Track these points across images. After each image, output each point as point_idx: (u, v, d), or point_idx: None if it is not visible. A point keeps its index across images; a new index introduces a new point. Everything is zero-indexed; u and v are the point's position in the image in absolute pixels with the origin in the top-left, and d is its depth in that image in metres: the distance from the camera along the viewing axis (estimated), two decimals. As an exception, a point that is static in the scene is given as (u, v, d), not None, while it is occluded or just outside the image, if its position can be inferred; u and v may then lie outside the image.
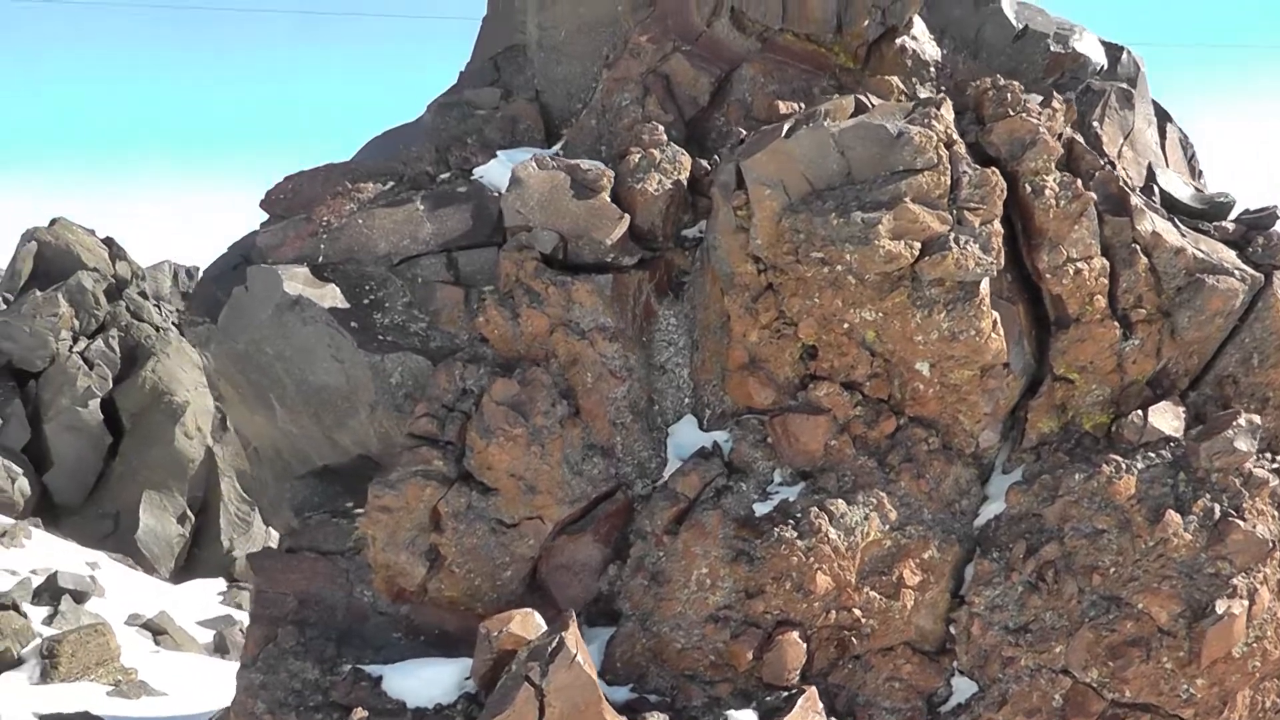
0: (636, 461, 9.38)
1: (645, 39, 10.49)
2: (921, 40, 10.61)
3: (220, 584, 26.49)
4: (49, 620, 18.45)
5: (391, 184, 10.54)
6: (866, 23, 10.35)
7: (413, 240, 9.99)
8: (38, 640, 16.81)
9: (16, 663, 16.38)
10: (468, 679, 8.67)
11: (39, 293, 28.31)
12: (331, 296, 9.79)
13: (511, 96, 11.16)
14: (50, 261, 29.50)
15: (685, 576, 9.04)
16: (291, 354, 9.86)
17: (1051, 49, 10.66)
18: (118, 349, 28.41)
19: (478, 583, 9.16)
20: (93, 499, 27.54)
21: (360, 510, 9.64)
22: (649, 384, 9.54)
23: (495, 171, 10.34)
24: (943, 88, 10.54)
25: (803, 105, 10.13)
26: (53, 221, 30.61)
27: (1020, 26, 10.77)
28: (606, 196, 9.53)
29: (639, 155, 9.76)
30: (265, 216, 10.88)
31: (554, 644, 8.05)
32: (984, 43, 10.79)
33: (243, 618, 22.25)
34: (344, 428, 9.94)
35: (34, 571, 20.63)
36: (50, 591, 19.37)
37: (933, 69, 10.67)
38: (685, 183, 9.83)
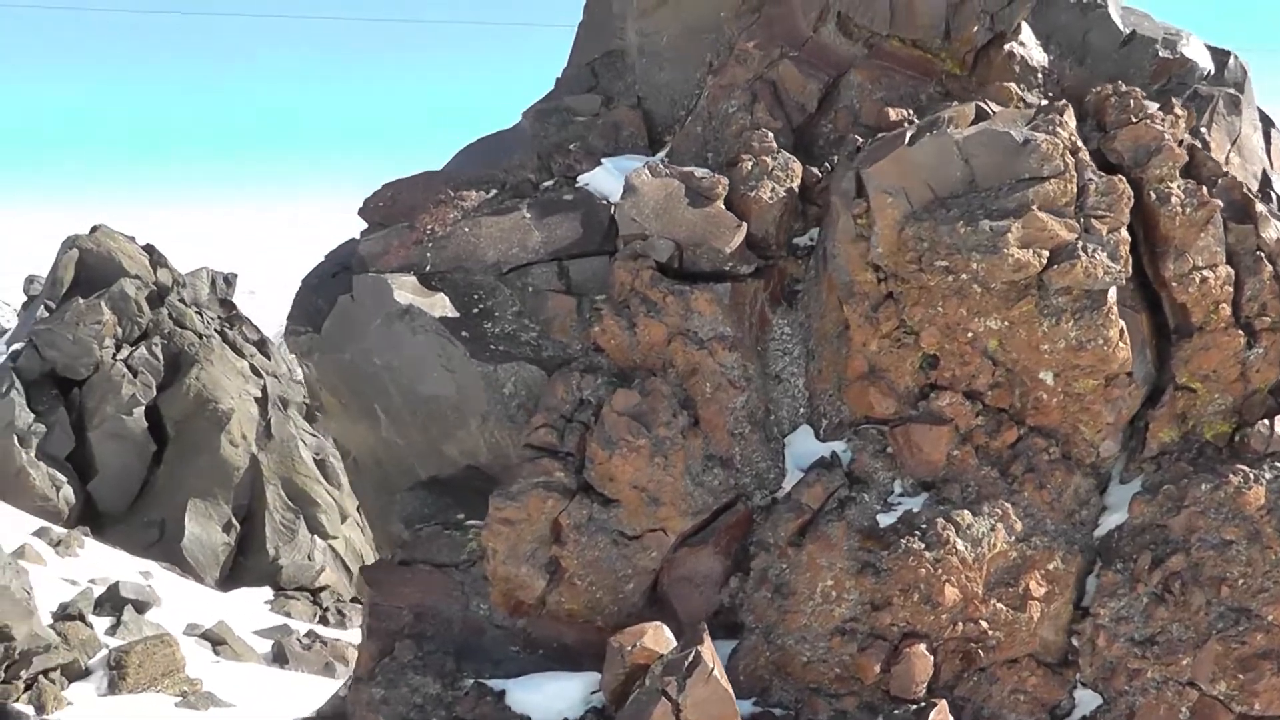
0: (755, 472, 9.33)
1: (752, 45, 10.44)
2: (1029, 46, 10.54)
3: (267, 592, 26.56)
4: (112, 631, 18.49)
5: (494, 192, 10.51)
6: (975, 28, 10.27)
7: (522, 249, 9.95)
8: (104, 651, 16.82)
9: (84, 674, 16.42)
10: (594, 693, 8.63)
11: (81, 300, 28.32)
12: (441, 306, 9.76)
13: (612, 103, 11.12)
14: (92, 269, 29.51)
15: (810, 589, 9.00)
16: (400, 364, 9.83)
17: (1159, 54, 10.57)
18: (161, 356, 28.41)
19: (599, 596, 9.11)
20: (137, 507, 27.54)
21: (472, 522, 9.62)
22: (765, 393, 9.49)
23: (601, 179, 10.31)
24: (1050, 94, 10.47)
25: (911, 112, 10.08)
26: (94, 229, 30.63)
27: (1127, 31, 10.68)
28: (721, 204, 9.49)
29: (751, 162, 9.72)
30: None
31: (690, 658, 8.01)
32: (1090, 48, 10.71)
33: (298, 626, 22.29)
34: (452, 438, 9.90)
35: (92, 581, 20.66)
36: (112, 602, 19.40)
37: (1040, 75, 10.59)
38: (797, 190, 9.78)
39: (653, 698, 7.91)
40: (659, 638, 8.37)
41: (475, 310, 9.87)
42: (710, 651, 8.12)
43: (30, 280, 33.06)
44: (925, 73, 10.53)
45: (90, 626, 17.89)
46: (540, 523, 9.02)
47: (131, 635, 18.24)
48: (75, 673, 16.30)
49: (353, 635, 23.64)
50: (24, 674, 15.65)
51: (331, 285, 10.60)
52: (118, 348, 28.43)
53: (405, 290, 9.78)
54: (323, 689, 18.62)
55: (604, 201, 10.04)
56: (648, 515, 9.02)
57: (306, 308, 10.56)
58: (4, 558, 17.64)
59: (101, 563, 22.34)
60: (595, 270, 9.86)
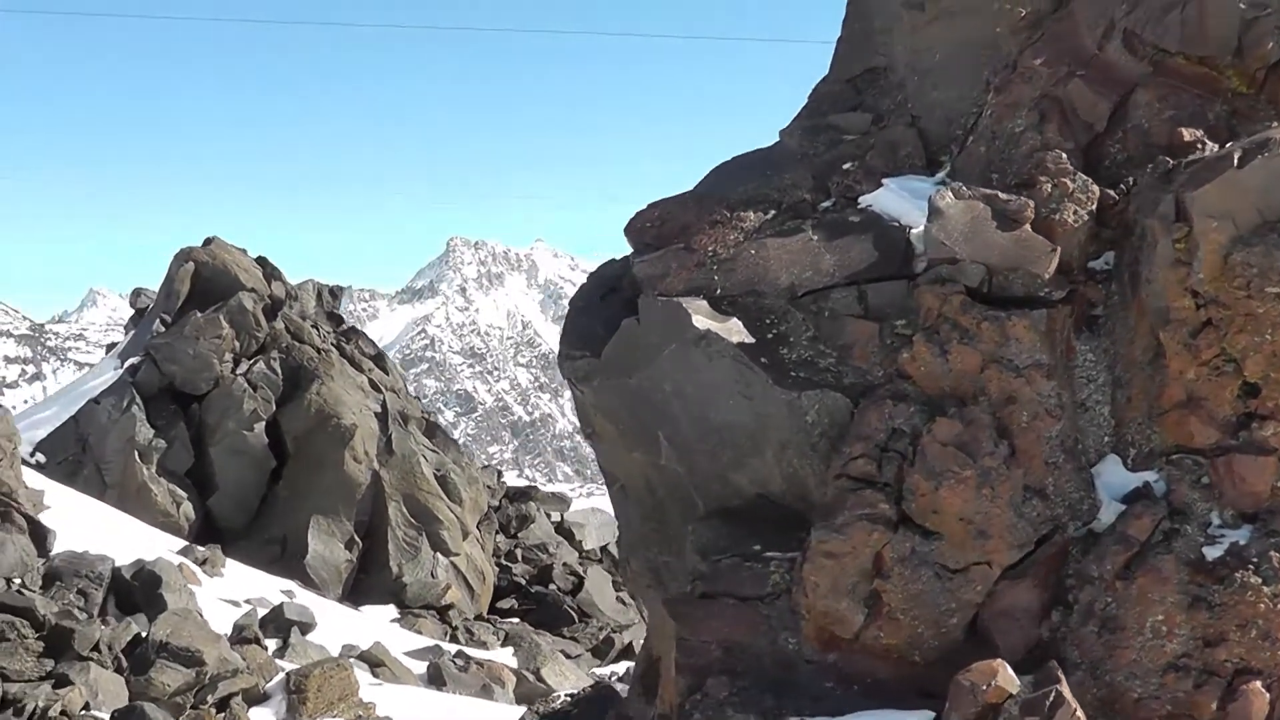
0: (1068, 502, 9.24)
1: (1039, 62, 10.36)
2: (1323, 62, 10.41)
3: (391, 610, 26.60)
4: (279, 653, 18.55)
5: (773, 212, 10.46)
6: (1270, 44, 10.15)
7: (815, 272, 9.90)
8: (280, 675, 16.86)
9: (263, 698, 16.46)
10: (934, 731, 8.55)
11: (199, 314, 28.47)
12: (737, 331, 9.73)
13: (881, 121, 11.06)
14: (208, 282, 29.68)
15: (1139, 623, 8.88)
16: (693, 390, 9.80)
17: None
18: (279, 371, 28.52)
19: (920, 631, 9.04)
20: (256, 523, 27.66)
21: (772, 554, 9.57)
22: (1073, 422, 9.40)
23: (886, 200, 10.25)
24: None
25: (1203, 132, 9.98)
26: (207, 241, 30.80)
27: None
28: (1029, 228, 9.42)
29: (1049, 184, 9.63)
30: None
31: (1052, 698, 7.93)
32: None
33: (449, 647, 22.31)
34: (744, 467, 9.85)
35: (247, 601, 20.73)
36: (276, 623, 19.44)
37: (1332, 93, 10.46)
38: (1095, 213, 9.69)
39: (1014, 738, 7.83)
40: (1007, 676, 8.28)
41: (769, 335, 9.82)
42: (1067, 690, 8.04)
43: (137, 293, 33.25)
44: (1212, 91, 10.41)
45: (266, 649, 18.00)
46: (864, 556, 8.97)
47: (299, 657, 18.31)
48: (255, 697, 16.35)
49: (495, 655, 23.69)
50: (210, 699, 15.72)
51: (603, 308, 10.59)
52: (236, 362, 28.56)
53: (701, 315, 9.73)
54: (485, 713, 18.65)
55: (895, 223, 9.97)
56: (974, 548, 8.94)
57: (580, 331, 10.54)
58: (177, 580, 17.76)
59: (247, 582, 22.43)
60: (893, 295, 9.78)
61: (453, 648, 22.62)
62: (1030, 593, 9.14)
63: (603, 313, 10.51)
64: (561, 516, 35.14)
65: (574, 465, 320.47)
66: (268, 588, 22.47)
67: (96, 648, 15.44)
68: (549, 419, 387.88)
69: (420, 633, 24.54)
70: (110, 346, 33.66)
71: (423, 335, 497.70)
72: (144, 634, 16.65)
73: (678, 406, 9.90)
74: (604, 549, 33.98)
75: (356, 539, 27.45)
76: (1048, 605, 9.17)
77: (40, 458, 27.20)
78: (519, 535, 32.56)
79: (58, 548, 18.30)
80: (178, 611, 17.12)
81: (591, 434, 11.05)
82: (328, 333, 30.68)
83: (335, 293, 32.05)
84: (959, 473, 8.87)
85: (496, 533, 31.67)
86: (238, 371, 28.38)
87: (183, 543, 23.94)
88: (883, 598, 9.02)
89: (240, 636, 17.91)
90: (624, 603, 30.57)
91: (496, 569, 29.90)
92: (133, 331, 31.24)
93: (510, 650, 24.81)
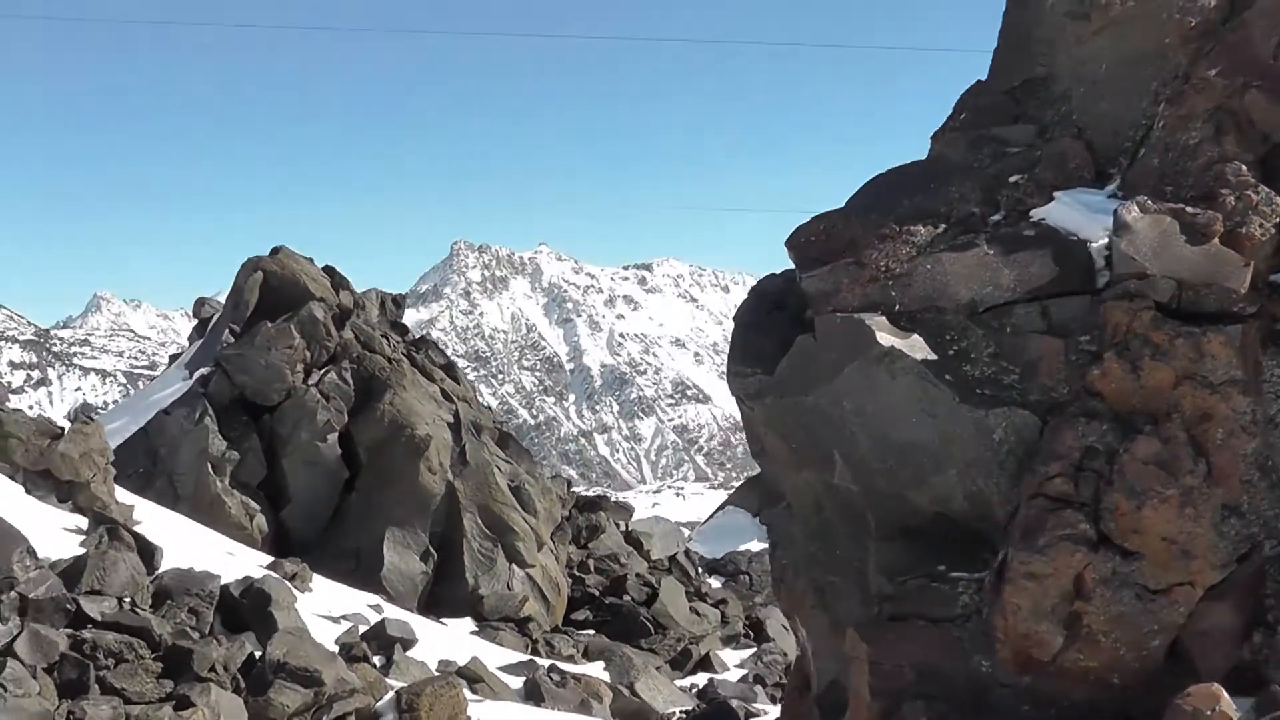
0: (1263, 520, 9.17)
1: (1213, 73, 10.29)
2: None
3: (468, 623, 26.60)
4: (384, 670, 18.54)
5: (943, 226, 10.43)
6: None
7: (995, 287, 9.85)
8: (390, 694, 16.85)
9: (374, 717, 16.44)
10: (1144, 756, 8.50)
11: (270, 324, 28.50)
12: (920, 348, 9.70)
13: (1046, 133, 11.01)
14: (276, 291, 29.70)
15: (1346, 644, 8.83)
16: (874, 408, 9.77)
17: None
18: (351, 381, 28.54)
19: (1122, 653, 8.98)
20: (328, 535, 27.67)
21: (958, 574, 9.54)
22: (1266, 439, 9.33)
23: (1059, 213, 10.21)
24: None
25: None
26: (275, 250, 30.84)
27: None
28: (1218, 242, 9.36)
29: (1233, 197, 9.57)
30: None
31: (1281, 724, 7.87)
32: None
33: (542, 662, 22.29)
34: (924, 485, 9.82)
35: (344, 618, 20.73)
36: (379, 640, 19.45)
37: None
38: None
39: (1242, 764, 7.78)
40: (1227, 701, 8.23)
41: (950, 352, 9.78)
42: (1291, 716, 7.98)
43: (201, 302, 33.31)
44: (1388, 101, 10.35)
45: (375, 667, 18.00)
46: (1065, 577, 8.92)
47: (403, 675, 18.32)
48: (366, 716, 16.34)
49: (587, 669, 23.66)
50: (326, 718, 15.72)
51: (771, 324, 10.57)
52: (307, 373, 28.58)
53: (883, 331, 9.71)
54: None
55: (1073, 237, 9.92)
56: (1177, 568, 8.89)
57: (750, 348, 10.52)
58: (286, 598, 17.78)
59: (334, 597, 22.42)
60: (1076, 310, 9.73)
61: (545, 662, 22.58)
62: (1231, 613, 9.08)
63: (771, 329, 10.48)
64: (627, 526, 35.14)
65: (579, 469, 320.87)
66: (354, 602, 22.45)
67: (214, 668, 15.44)
68: (554, 422, 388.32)
69: (502, 646, 24.53)
70: (174, 357, 33.69)
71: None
72: (258, 653, 16.65)
73: (856, 424, 9.88)
74: (672, 559, 33.99)
75: (432, 551, 27.44)
76: (1248, 626, 9.12)
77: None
78: (589, 545, 32.54)
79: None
80: (291, 630, 17.11)
81: (760, 452, 11.02)
82: (398, 342, 30.69)
83: (399, 301, 32.08)
84: (1162, 492, 8.82)
85: (569, 543, 31.66)
86: (310, 382, 28.38)
87: (267, 556, 23.99)
88: (1083, 619, 8.97)
89: (350, 654, 17.91)
90: (697, 613, 30.55)
91: (569, 580, 29.88)
92: (198, 341, 31.29)
93: (600, 664, 24.79)
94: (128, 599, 16.97)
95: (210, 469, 26.83)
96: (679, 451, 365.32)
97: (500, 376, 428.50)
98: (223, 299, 31.78)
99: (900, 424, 9.72)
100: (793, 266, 11.08)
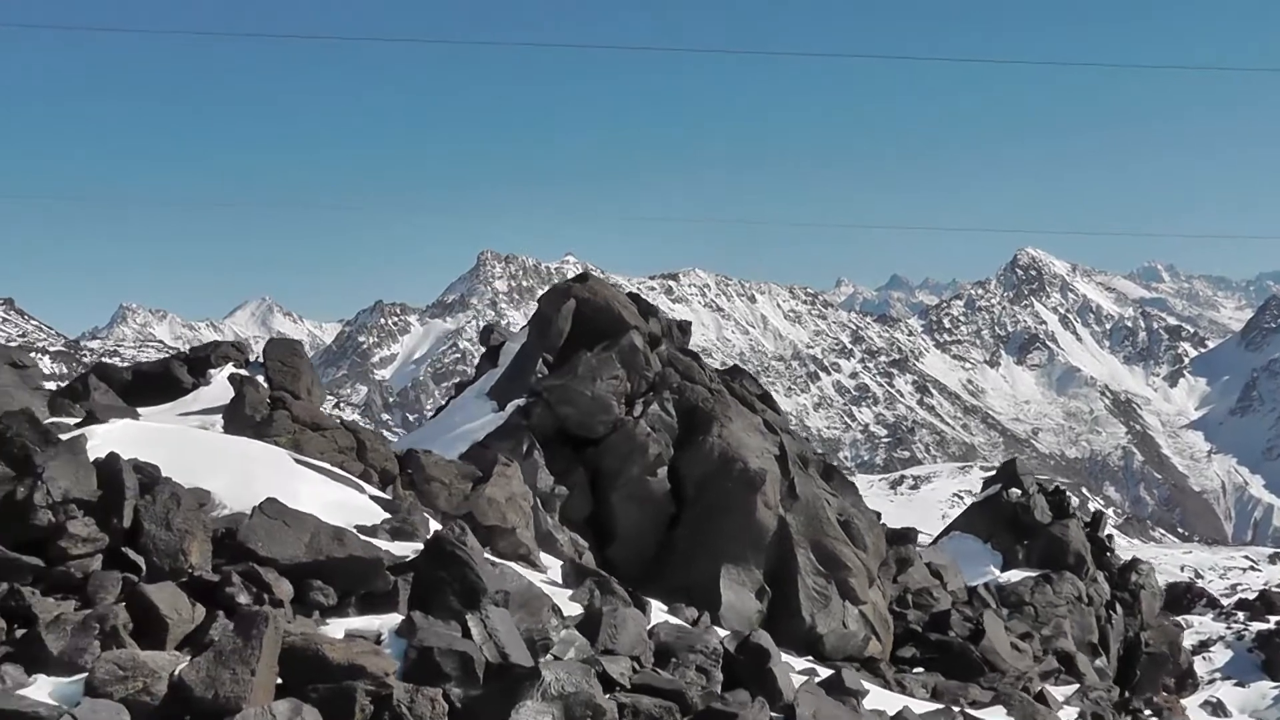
0: None
1: None
2: None
3: (803, 661, 26.09)
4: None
5: None
6: None
7: None
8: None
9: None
10: None
11: (589, 354, 28.03)
12: None
13: None
14: (590, 320, 29.23)
15: None
16: None
17: None
18: (674, 413, 28.05)
19: None
20: (655, 573, 27.16)
21: None
22: None
23: None
24: None
25: None
26: (582, 277, 30.40)
27: None
28: None
29: None
30: None
31: None
32: None
33: (955, 710, 21.77)
34: None
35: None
36: (838, 690, 18.93)
37: None
38: None
39: None
40: None
41: None
42: None
43: (489, 330, 32.85)
44: None
45: None
46: None
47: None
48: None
49: (989, 714, 23.16)
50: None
51: None
52: (628, 404, 28.10)
53: None
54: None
55: None
56: None
57: None
58: (776, 654, 17.28)
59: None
60: None
61: (955, 709, 22.05)
62: None
63: None
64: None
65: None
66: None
67: (752, 733, 14.92)
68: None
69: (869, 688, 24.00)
70: (459, 386, 33.20)
71: (454, 349, 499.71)
72: (773, 714, 16.16)
73: None
74: (973, 591, 33.50)
75: (766, 588, 26.96)
76: None
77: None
78: (898, 579, 32.06)
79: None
80: (810, 689, 16.64)
81: None
82: (713, 372, 30.21)
83: (684, 328, 31.55)
84: None
85: (894, 578, 31.17)
86: (634, 414, 27.89)
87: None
88: None
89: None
90: (1017, 649, 30.03)
91: (890, 615, 29.36)
92: (494, 370, 30.75)
93: (1001, 710, 24.26)
94: (636, 657, 16.51)
95: (540, 504, 26.31)
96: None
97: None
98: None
99: None
100: None
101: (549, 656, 15.58)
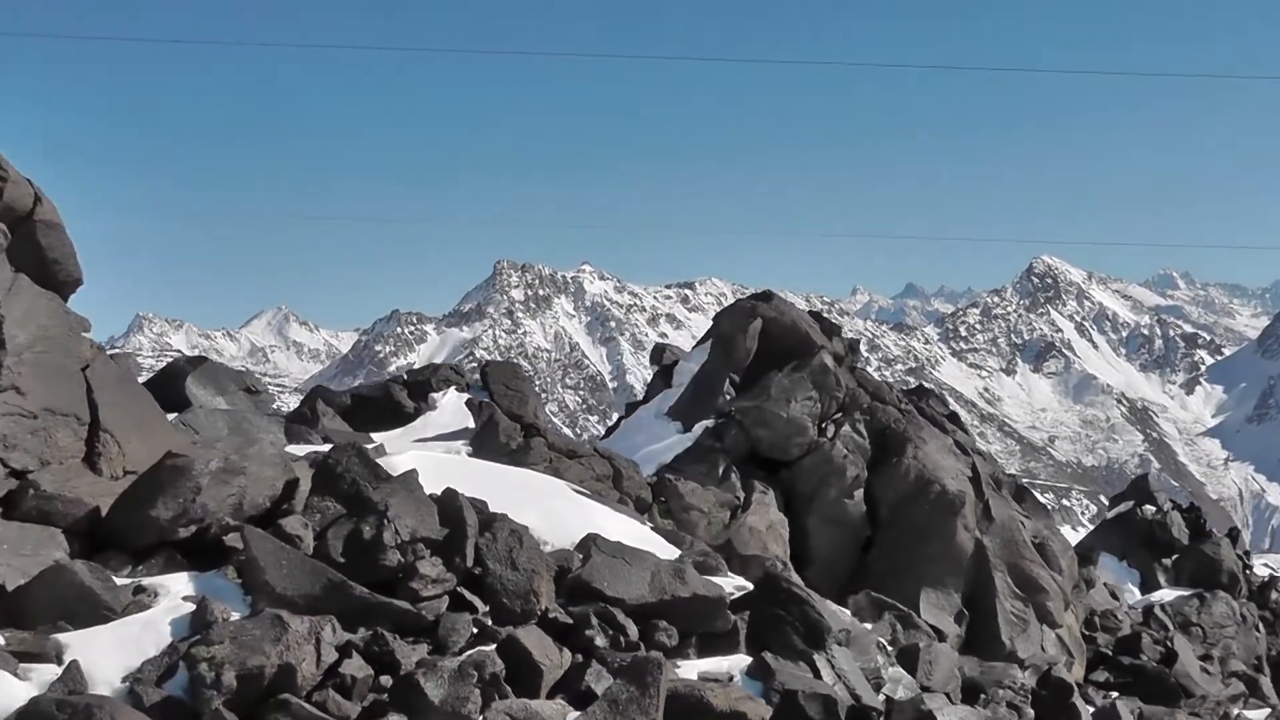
0: None
1: None
2: None
3: (1012, 687, 25.71)
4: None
5: None
6: None
7: None
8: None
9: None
10: None
11: (781, 374, 27.78)
12: None
13: None
14: (776, 340, 28.99)
15: None
16: None
17: None
18: (866, 434, 27.80)
19: None
20: (850, 596, 26.82)
21: None
22: None
23: None
24: None
25: None
26: (765, 296, 30.17)
27: None
28: None
29: None
30: None
31: None
32: None
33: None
34: None
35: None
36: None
37: None
38: None
39: None
40: None
41: None
42: None
43: (661, 349, 32.54)
44: None
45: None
46: None
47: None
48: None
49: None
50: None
51: None
52: (821, 426, 27.83)
53: None
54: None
55: None
56: None
57: None
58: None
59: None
60: None
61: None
62: None
63: None
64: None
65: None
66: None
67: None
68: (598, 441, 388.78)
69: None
70: (631, 406, 32.90)
71: (470, 358, 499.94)
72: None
73: None
74: (1147, 611, 33.15)
75: (964, 612, 26.68)
76: None
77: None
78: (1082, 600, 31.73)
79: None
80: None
81: None
82: (900, 392, 29.95)
83: (854, 347, 31.25)
84: None
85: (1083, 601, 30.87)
86: (829, 435, 27.63)
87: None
88: None
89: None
90: (1207, 672, 29.73)
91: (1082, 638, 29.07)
92: (666, 389, 30.41)
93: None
94: (948, 693, 16.26)
95: (746, 529, 26.03)
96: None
97: (544, 395, 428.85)
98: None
99: None
100: None
101: (882, 695, 15.34)
